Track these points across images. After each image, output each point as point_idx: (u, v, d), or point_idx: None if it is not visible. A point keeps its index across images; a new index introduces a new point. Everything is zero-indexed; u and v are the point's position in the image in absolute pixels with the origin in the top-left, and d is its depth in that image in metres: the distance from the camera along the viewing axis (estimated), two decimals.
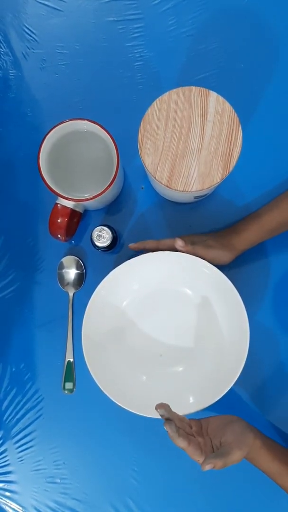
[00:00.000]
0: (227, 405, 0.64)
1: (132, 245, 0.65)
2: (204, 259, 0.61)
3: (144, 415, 0.61)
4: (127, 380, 0.65)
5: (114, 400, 0.61)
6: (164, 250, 0.62)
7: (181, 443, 0.55)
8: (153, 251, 0.62)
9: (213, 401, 0.61)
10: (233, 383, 0.60)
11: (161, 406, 0.55)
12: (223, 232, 0.67)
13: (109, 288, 0.63)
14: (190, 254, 0.61)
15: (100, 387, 0.61)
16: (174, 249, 0.62)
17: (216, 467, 0.51)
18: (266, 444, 0.58)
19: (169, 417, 0.55)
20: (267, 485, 0.67)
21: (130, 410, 0.61)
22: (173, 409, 0.57)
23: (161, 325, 0.68)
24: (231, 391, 0.61)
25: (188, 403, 0.62)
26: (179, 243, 0.61)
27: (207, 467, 0.51)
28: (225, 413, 0.60)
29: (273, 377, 0.69)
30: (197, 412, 0.62)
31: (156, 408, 0.54)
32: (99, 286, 0.62)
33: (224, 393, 0.61)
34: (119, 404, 0.61)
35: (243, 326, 0.61)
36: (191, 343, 0.67)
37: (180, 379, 0.66)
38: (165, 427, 0.56)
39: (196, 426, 0.57)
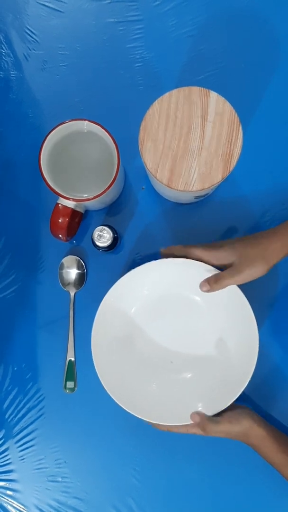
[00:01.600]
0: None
1: (163, 250, 0.63)
2: (234, 284, 0.59)
3: (155, 422, 0.61)
4: (138, 387, 0.65)
5: (125, 408, 0.61)
6: (193, 259, 0.60)
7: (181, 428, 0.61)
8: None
9: (221, 409, 0.61)
10: (241, 391, 0.60)
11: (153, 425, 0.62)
12: (258, 237, 0.60)
13: (117, 295, 0.62)
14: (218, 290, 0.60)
15: (111, 395, 0.61)
16: (201, 260, 0.60)
17: None
18: (271, 433, 0.59)
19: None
20: (269, 485, 0.67)
21: (142, 418, 0.61)
22: (182, 415, 0.61)
23: (170, 331, 0.67)
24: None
25: (197, 409, 0.62)
26: (203, 288, 0.60)
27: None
28: None
29: (282, 385, 0.69)
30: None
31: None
32: (108, 293, 0.62)
33: (232, 400, 0.60)
34: (130, 412, 0.61)
35: (252, 336, 0.60)
36: (199, 350, 0.67)
37: (189, 386, 0.66)
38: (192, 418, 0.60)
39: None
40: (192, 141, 0.57)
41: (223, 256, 0.59)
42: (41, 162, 0.60)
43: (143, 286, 0.65)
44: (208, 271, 0.60)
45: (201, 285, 0.60)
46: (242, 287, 0.60)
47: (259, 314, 0.61)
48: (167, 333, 0.67)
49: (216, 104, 0.56)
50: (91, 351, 0.70)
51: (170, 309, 0.67)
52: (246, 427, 0.59)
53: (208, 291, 0.60)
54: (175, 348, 0.67)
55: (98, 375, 0.61)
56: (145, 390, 0.65)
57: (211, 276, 0.60)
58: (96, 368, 0.61)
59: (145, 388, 0.65)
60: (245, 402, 0.68)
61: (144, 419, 0.61)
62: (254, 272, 0.57)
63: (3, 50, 0.74)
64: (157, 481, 0.69)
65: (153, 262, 0.61)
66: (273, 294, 0.70)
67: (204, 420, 0.60)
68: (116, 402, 0.61)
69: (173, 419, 0.62)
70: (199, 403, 0.63)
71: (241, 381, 0.60)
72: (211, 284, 0.59)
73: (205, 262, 0.60)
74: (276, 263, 0.58)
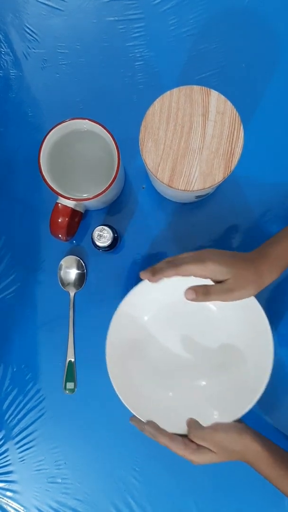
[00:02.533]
0: None
1: (151, 279, 0.57)
2: (222, 301, 0.57)
3: (171, 431, 0.59)
4: (152, 395, 0.64)
5: (141, 418, 0.60)
6: (186, 276, 0.56)
7: (163, 439, 0.57)
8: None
9: (237, 416, 0.60)
10: (256, 400, 0.59)
11: (132, 420, 0.60)
12: (253, 257, 0.58)
13: (131, 305, 0.62)
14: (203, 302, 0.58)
15: (126, 404, 0.60)
16: (194, 275, 0.56)
17: None
18: (266, 447, 0.56)
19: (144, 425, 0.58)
20: (271, 490, 0.67)
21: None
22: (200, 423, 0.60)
23: (183, 339, 0.67)
24: None
25: (212, 418, 0.61)
26: (188, 296, 0.56)
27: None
28: None
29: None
30: None
31: (130, 421, 0.59)
32: (122, 303, 0.61)
33: (247, 409, 0.59)
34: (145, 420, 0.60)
35: (267, 345, 0.60)
36: (213, 358, 0.66)
37: (203, 393, 0.65)
38: (145, 428, 0.58)
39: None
40: (193, 140, 0.56)
41: (218, 270, 0.56)
42: (41, 161, 0.60)
43: (158, 294, 0.64)
44: None
45: (186, 292, 0.56)
46: (257, 295, 0.59)
47: (274, 322, 0.61)
48: (181, 341, 0.67)
49: (217, 103, 0.56)
50: (91, 352, 0.70)
51: (184, 317, 0.66)
52: (237, 441, 0.56)
53: (192, 300, 0.56)
54: (189, 355, 0.67)
55: (113, 384, 0.60)
56: (160, 399, 0.64)
57: (200, 287, 0.56)
58: (111, 377, 0.60)
59: (160, 396, 0.65)
60: (254, 410, 0.68)
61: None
62: (244, 293, 0.56)
63: (3, 49, 0.74)
64: (158, 482, 0.69)
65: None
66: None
67: (191, 423, 0.59)
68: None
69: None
70: (214, 411, 0.62)
71: (255, 390, 0.59)
72: (198, 295, 0.56)
73: (199, 277, 0.56)
74: (273, 278, 0.57)
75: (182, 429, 0.60)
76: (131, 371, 0.64)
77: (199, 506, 0.68)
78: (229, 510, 0.68)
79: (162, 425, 0.59)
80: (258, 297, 0.59)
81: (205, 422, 0.60)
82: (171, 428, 0.59)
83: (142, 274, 0.58)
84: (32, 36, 0.74)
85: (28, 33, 0.74)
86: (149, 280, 0.58)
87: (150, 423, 0.59)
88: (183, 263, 0.55)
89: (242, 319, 0.63)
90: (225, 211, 0.71)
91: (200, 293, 0.56)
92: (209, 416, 0.61)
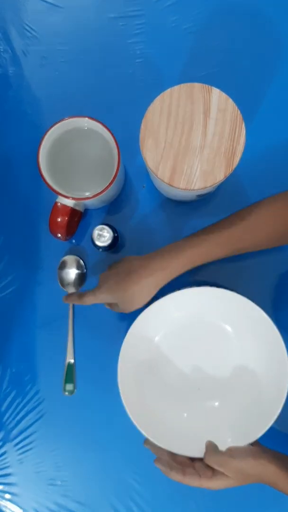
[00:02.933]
0: None
1: (64, 299, 0.66)
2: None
3: (186, 454, 0.59)
4: (163, 416, 0.63)
5: (152, 439, 0.59)
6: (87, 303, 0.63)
7: (175, 476, 0.56)
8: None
9: (252, 440, 0.59)
10: (272, 422, 0.58)
11: (146, 443, 0.60)
12: (134, 274, 0.60)
13: (144, 323, 0.62)
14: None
15: (137, 426, 0.59)
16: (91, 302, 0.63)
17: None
18: (284, 467, 0.55)
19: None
20: (272, 490, 0.66)
21: (171, 450, 0.59)
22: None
23: (196, 358, 0.66)
24: None
25: (226, 442, 0.60)
26: (65, 301, 0.66)
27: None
28: None
29: None
30: None
31: (144, 445, 0.59)
32: (135, 322, 0.61)
33: (263, 432, 0.59)
34: (157, 443, 0.59)
35: (283, 366, 0.59)
36: (227, 378, 0.65)
37: (217, 415, 0.64)
38: (156, 465, 0.58)
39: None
40: (194, 139, 0.55)
41: (109, 299, 0.62)
42: (40, 160, 0.59)
43: (170, 313, 0.64)
44: (246, 304, 0.60)
45: (63, 299, 0.65)
46: (270, 314, 0.60)
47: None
48: (194, 361, 0.66)
49: (219, 101, 0.55)
50: (90, 353, 0.69)
51: (196, 336, 0.66)
52: (254, 466, 0.55)
53: (67, 302, 0.65)
54: (202, 375, 0.66)
55: (126, 407, 0.59)
56: (174, 420, 0.64)
57: (74, 294, 0.64)
58: (122, 398, 0.59)
59: (174, 418, 0.64)
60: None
61: (175, 451, 0.59)
62: (138, 305, 0.61)
63: (1, 46, 0.73)
64: (158, 484, 0.69)
65: (178, 292, 0.61)
66: None
67: (209, 446, 0.59)
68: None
69: (201, 452, 0.59)
70: (228, 433, 0.61)
71: (271, 412, 0.59)
72: (73, 299, 0.64)
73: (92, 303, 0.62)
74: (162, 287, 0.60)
75: (197, 451, 0.59)
76: (144, 393, 0.63)
77: (200, 508, 0.68)
78: (230, 508, 0.68)
79: (175, 447, 0.59)
80: (273, 314, 0.59)
81: (219, 445, 0.59)
82: (185, 451, 0.59)
83: (64, 299, 0.66)
84: (31, 33, 0.73)
85: (27, 30, 0.73)
86: (64, 300, 0.66)
87: (163, 452, 0.59)
88: (83, 296, 0.62)
89: (257, 341, 0.63)
90: (226, 210, 0.70)
91: (75, 298, 0.63)
92: (223, 440, 0.60)
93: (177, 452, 0.59)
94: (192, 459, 0.59)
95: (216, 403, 0.65)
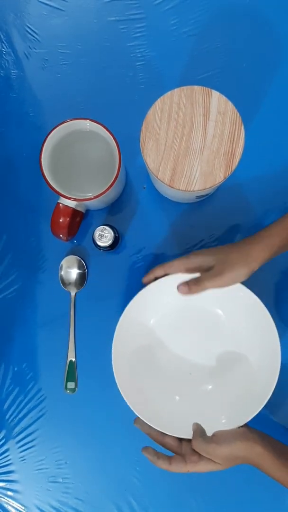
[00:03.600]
0: None
1: (144, 279, 0.63)
2: (216, 287, 0.59)
3: (177, 435, 0.59)
4: (158, 399, 0.64)
5: (147, 422, 0.59)
6: (173, 273, 0.60)
7: (162, 465, 0.57)
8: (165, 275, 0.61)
9: (245, 421, 0.59)
10: (264, 403, 0.59)
11: (137, 422, 0.59)
12: (239, 242, 0.60)
13: (138, 308, 0.62)
14: (198, 292, 0.59)
15: (132, 409, 0.60)
16: (181, 271, 0.60)
17: None
18: (269, 448, 0.56)
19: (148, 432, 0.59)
20: (271, 486, 0.67)
21: (165, 432, 0.59)
22: (206, 429, 0.59)
23: (189, 343, 0.67)
24: None
25: (220, 423, 0.60)
26: (182, 290, 0.59)
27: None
28: None
29: None
30: None
31: (134, 423, 0.59)
32: (128, 306, 0.61)
33: (255, 413, 0.59)
34: (152, 425, 0.59)
35: (274, 350, 0.60)
36: (219, 362, 0.66)
37: (210, 398, 0.65)
38: (143, 453, 0.58)
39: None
40: (194, 141, 0.56)
41: (202, 260, 0.59)
42: (42, 161, 0.60)
43: (165, 297, 0.64)
44: (239, 290, 0.60)
45: (179, 288, 0.60)
46: (263, 299, 0.60)
47: (281, 326, 0.61)
48: (187, 345, 0.67)
49: (218, 103, 0.56)
50: (92, 352, 0.70)
51: (190, 321, 0.66)
52: (241, 448, 0.56)
53: (186, 293, 0.59)
54: (194, 359, 0.67)
55: (119, 388, 0.60)
56: (166, 403, 0.64)
57: (190, 279, 0.60)
58: (117, 381, 0.60)
59: (166, 400, 0.65)
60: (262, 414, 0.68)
61: (165, 432, 0.59)
62: (236, 276, 0.57)
63: (4, 48, 0.74)
64: (159, 481, 0.69)
65: (173, 276, 0.61)
66: None
67: (197, 431, 0.58)
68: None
69: (191, 433, 0.60)
70: (222, 416, 0.62)
71: (263, 394, 0.59)
72: (190, 286, 0.59)
73: (185, 272, 0.60)
74: (258, 267, 0.58)
75: (188, 433, 0.59)
76: (137, 374, 0.64)
77: (200, 505, 0.68)
78: (230, 509, 0.68)
79: (166, 429, 0.59)
80: (266, 301, 0.60)
81: (212, 427, 0.59)
82: (175, 432, 0.59)
83: (143, 280, 0.63)
84: (33, 36, 0.74)
85: (29, 33, 0.74)
86: (143, 281, 0.62)
87: (153, 431, 0.59)
88: (169, 262, 0.60)
89: (249, 324, 0.63)
90: (225, 211, 0.71)
91: (191, 284, 0.59)
92: (216, 421, 0.61)
93: (167, 433, 0.59)
94: (181, 440, 0.59)
95: (210, 387, 0.66)
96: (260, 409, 0.59)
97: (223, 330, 0.66)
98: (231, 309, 0.65)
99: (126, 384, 0.60)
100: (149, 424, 0.59)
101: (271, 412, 0.69)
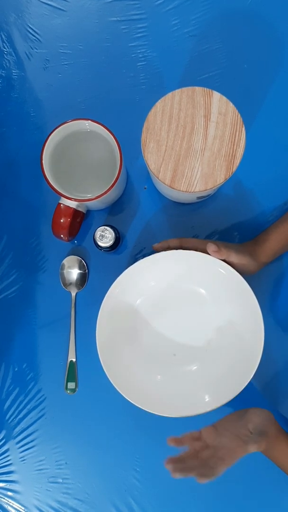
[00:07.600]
0: (239, 399, 0.63)
1: (155, 245, 0.63)
2: (234, 265, 0.60)
3: (159, 414, 0.61)
4: (142, 379, 0.65)
5: (130, 400, 0.61)
6: (187, 249, 0.61)
7: (180, 476, 0.57)
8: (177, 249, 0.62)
9: (228, 399, 0.61)
10: (247, 383, 0.60)
11: (155, 247, 0.63)
12: (246, 243, 0.65)
13: (122, 287, 0.62)
14: (222, 258, 0.59)
15: (115, 386, 0.61)
16: (196, 249, 0.60)
17: None
18: (281, 435, 0.58)
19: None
20: (271, 487, 0.67)
21: (146, 410, 0.61)
22: (189, 408, 0.61)
23: (174, 324, 0.67)
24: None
25: (203, 402, 0.62)
26: (212, 248, 0.59)
27: None
28: (238, 407, 0.61)
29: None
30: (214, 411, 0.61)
31: (168, 443, 0.58)
32: (113, 285, 0.61)
33: (239, 391, 0.60)
34: (135, 404, 0.61)
35: (257, 327, 0.60)
36: (204, 342, 0.67)
37: (194, 378, 0.66)
38: (166, 467, 0.58)
39: (208, 433, 0.58)
40: (195, 142, 0.56)
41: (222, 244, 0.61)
42: (43, 161, 0.60)
43: (149, 278, 0.65)
44: (215, 263, 0.60)
45: (208, 246, 0.59)
46: (247, 279, 0.60)
47: (265, 307, 0.62)
48: (171, 326, 0.67)
49: (219, 104, 0.56)
50: (92, 352, 0.69)
51: (175, 302, 0.67)
52: (263, 417, 0.58)
53: (214, 252, 0.59)
54: (179, 340, 0.67)
55: (104, 367, 0.60)
56: (150, 382, 0.65)
57: (221, 243, 0.61)
58: (101, 360, 0.61)
59: (150, 380, 0.65)
60: (255, 401, 0.69)
61: (149, 411, 0.61)
62: (249, 264, 0.61)
63: (5, 49, 0.74)
64: (159, 482, 0.69)
65: (158, 254, 0.61)
66: (279, 287, 0.70)
67: (220, 245, 0.60)
68: (132, 403, 0.61)
69: (179, 412, 0.61)
70: (205, 394, 0.63)
71: (247, 372, 0.60)
72: (220, 248, 0.59)
73: (201, 251, 0.60)
74: (268, 261, 0.63)
75: (172, 412, 0.61)
76: (123, 355, 0.64)
77: (200, 505, 0.68)
78: (230, 509, 0.68)
79: (154, 408, 0.61)
80: (261, 303, 0.60)
81: (195, 405, 0.61)
82: (162, 411, 0.60)
83: (153, 246, 0.64)
84: (35, 36, 0.74)
85: (31, 33, 0.74)
86: (153, 248, 0.64)
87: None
88: (186, 238, 0.63)
89: (231, 302, 0.64)
90: (226, 212, 0.71)
91: (221, 246, 0.59)
92: (200, 400, 0.62)
93: (156, 413, 0.61)
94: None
95: (194, 367, 0.67)
96: (244, 385, 0.60)
97: (207, 310, 0.67)
98: (214, 287, 0.65)
99: (110, 361, 0.61)
100: (136, 404, 0.60)
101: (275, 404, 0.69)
